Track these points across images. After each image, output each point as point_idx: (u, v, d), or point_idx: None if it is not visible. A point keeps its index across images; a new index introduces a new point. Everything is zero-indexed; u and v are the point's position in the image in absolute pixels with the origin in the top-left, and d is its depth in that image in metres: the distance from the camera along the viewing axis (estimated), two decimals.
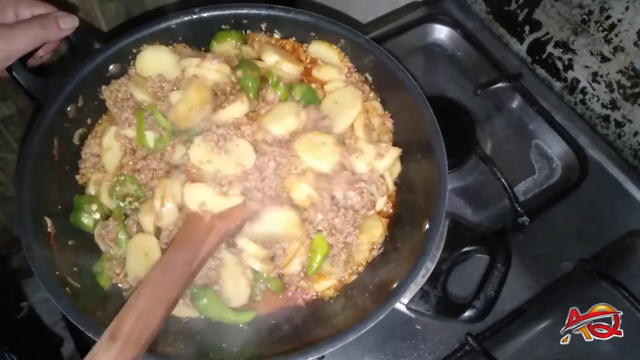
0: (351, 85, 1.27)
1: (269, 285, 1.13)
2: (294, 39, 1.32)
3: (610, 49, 1.39)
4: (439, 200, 1.08)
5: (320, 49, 1.31)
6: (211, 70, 1.17)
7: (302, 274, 1.14)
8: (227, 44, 1.27)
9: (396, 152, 1.22)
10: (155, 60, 1.21)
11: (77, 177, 1.18)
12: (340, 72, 1.30)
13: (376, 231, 1.16)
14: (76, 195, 1.15)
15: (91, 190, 1.17)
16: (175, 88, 1.18)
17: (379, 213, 1.20)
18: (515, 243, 1.25)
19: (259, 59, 1.26)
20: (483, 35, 1.62)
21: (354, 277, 1.16)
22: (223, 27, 1.27)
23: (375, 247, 1.18)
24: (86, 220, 1.13)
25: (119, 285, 1.10)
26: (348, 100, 1.23)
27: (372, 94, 1.31)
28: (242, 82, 1.20)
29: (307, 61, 1.32)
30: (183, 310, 1.10)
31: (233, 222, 1.08)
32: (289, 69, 1.25)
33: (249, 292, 1.11)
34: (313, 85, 1.28)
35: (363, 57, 1.27)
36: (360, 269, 1.17)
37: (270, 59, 1.25)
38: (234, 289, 1.10)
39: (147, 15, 1.48)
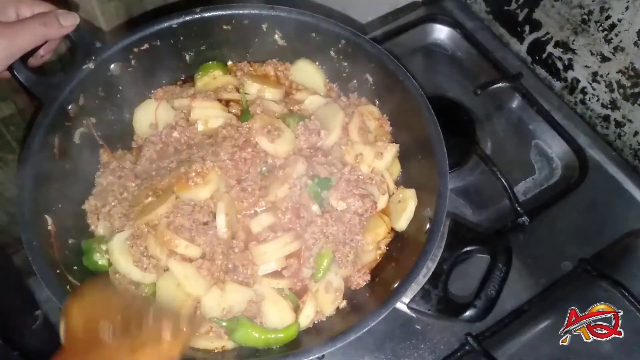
0: (331, 101, 1.29)
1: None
2: (275, 59, 1.35)
3: (610, 48, 1.40)
4: (440, 200, 1.08)
5: (304, 68, 1.33)
6: (205, 108, 1.22)
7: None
8: (209, 76, 1.31)
9: (394, 148, 1.23)
10: (148, 115, 1.24)
11: (84, 206, 1.16)
12: (319, 90, 1.32)
13: (380, 229, 1.16)
14: (84, 240, 1.11)
15: (100, 230, 1.13)
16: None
17: (382, 212, 1.20)
18: (515, 243, 1.25)
19: (238, 90, 1.29)
20: (483, 35, 1.62)
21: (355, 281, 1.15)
22: (224, 27, 1.27)
23: (380, 247, 1.18)
24: (101, 261, 1.09)
25: None
26: (330, 115, 1.25)
27: (363, 99, 1.31)
28: None
29: (287, 84, 1.34)
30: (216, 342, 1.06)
31: None
32: (272, 95, 1.30)
33: (294, 314, 1.07)
34: (297, 107, 1.29)
35: (363, 57, 1.27)
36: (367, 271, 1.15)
37: (252, 88, 1.29)
38: (279, 318, 1.06)
39: (147, 15, 1.48)
